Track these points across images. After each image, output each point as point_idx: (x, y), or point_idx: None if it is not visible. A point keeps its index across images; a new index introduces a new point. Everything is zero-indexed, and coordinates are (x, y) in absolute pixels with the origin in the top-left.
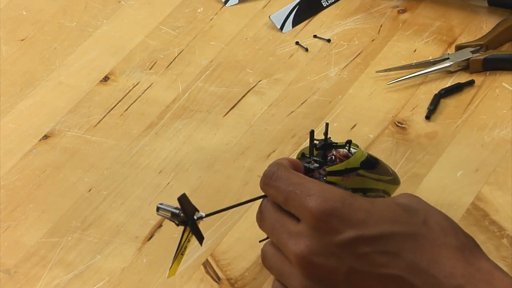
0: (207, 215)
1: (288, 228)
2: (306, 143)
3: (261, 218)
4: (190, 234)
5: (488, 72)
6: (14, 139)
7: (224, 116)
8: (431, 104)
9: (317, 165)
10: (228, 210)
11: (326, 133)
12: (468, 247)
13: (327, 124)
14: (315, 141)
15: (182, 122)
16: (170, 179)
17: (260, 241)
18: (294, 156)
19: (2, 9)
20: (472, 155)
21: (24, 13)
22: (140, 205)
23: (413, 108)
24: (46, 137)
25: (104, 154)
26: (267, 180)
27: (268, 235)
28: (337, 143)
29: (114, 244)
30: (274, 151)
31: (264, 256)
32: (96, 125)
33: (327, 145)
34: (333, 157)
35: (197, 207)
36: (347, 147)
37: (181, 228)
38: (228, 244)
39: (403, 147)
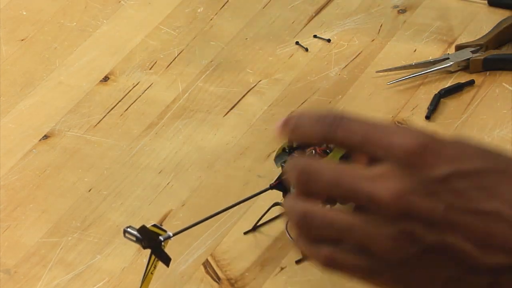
0: (174, 234)
1: (365, 174)
2: None
3: (313, 179)
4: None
5: (488, 72)
6: (14, 139)
7: (224, 116)
8: (431, 104)
9: None
10: (231, 208)
11: None
12: None
13: None
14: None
15: (182, 122)
16: (170, 179)
17: (244, 233)
18: (275, 152)
19: (2, 9)
20: None
21: (24, 13)
22: (140, 205)
23: (413, 108)
24: (46, 137)
25: (104, 154)
26: (336, 122)
27: (328, 194)
28: None
29: (114, 244)
30: (274, 151)
31: (310, 218)
32: (96, 125)
33: (304, 144)
34: (313, 151)
35: (165, 228)
36: (324, 145)
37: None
38: (228, 244)
39: None
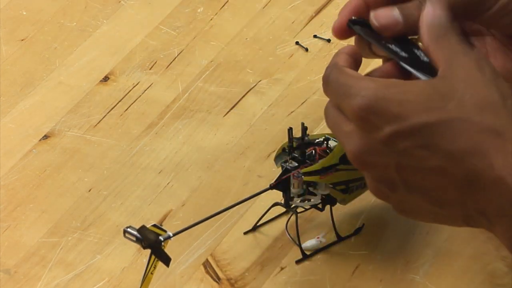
0: (174, 234)
1: (342, 129)
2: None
3: (325, 118)
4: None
5: None
6: (14, 139)
7: (224, 116)
8: None
9: (296, 164)
10: (231, 208)
11: (303, 133)
12: (508, 128)
13: (302, 124)
14: (293, 141)
15: (182, 122)
16: (170, 179)
17: (244, 233)
18: (275, 152)
19: (2, 9)
20: None
21: (24, 13)
22: (140, 205)
23: None
24: (46, 137)
25: (104, 154)
26: (324, 86)
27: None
28: (315, 140)
29: (114, 244)
30: (274, 151)
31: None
32: (96, 125)
33: (303, 144)
34: (313, 151)
35: (165, 228)
36: (325, 144)
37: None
38: (228, 244)
39: None
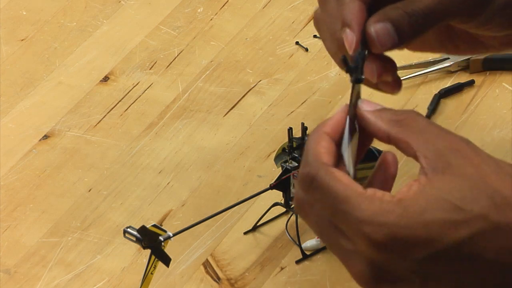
0: (174, 234)
1: (341, 245)
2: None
3: (303, 217)
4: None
5: (488, 72)
6: (14, 139)
7: (224, 116)
8: (431, 104)
9: (296, 164)
10: (231, 208)
11: (303, 133)
12: None
13: (302, 124)
14: (293, 141)
15: (182, 122)
16: (170, 179)
17: (244, 233)
18: (275, 152)
19: (2, 9)
20: None
21: (24, 13)
22: (140, 205)
23: (413, 108)
24: (46, 137)
25: (104, 154)
26: (306, 186)
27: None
28: None
29: (114, 244)
30: (274, 151)
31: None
32: (96, 125)
33: (303, 144)
34: None
35: (165, 228)
36: None
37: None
38: (228, 244)
39: None
